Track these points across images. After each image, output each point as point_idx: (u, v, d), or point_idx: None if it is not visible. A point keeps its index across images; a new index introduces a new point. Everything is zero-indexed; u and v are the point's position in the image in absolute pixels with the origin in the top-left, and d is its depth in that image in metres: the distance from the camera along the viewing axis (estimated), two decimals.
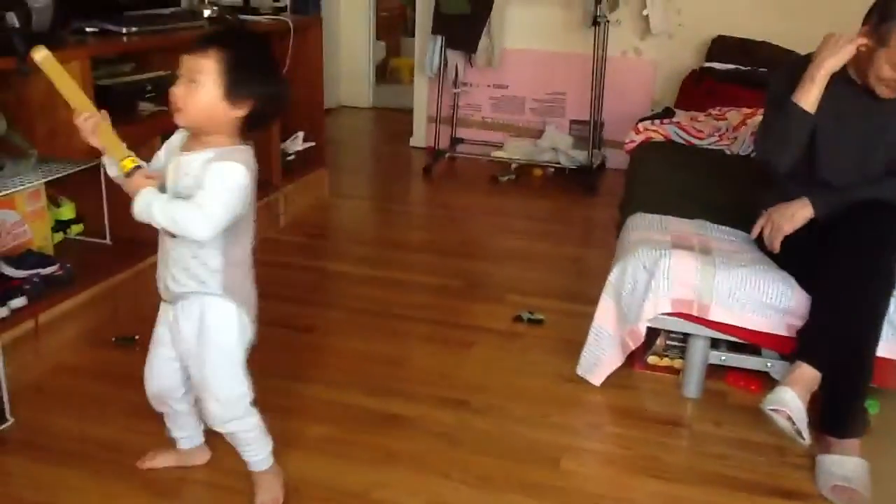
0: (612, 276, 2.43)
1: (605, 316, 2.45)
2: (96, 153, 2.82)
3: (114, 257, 2.97)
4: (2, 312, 2.39)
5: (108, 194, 3.05)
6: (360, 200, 4.47)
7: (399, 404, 2.33)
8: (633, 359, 2.51)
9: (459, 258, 3.51)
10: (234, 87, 1.57)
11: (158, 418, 2.11)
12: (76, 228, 3.14)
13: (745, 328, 2.30)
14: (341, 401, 2.34)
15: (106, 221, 3.09)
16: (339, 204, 4.25)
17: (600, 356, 2.45)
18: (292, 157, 3.96)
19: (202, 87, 1.56)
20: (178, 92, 1.58)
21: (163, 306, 1.81)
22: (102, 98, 2.73)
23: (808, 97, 2.21)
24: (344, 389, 2.40)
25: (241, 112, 1.60)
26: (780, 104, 2.26)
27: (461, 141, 5.08)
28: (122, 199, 3.07)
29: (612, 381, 2.46)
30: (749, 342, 2.34)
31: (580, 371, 2.49)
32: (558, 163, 4.65)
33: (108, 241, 3.09)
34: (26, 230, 2.79)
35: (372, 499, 1.93)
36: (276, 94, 1.65)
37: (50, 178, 2.73)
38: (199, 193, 1.56)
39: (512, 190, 4.56)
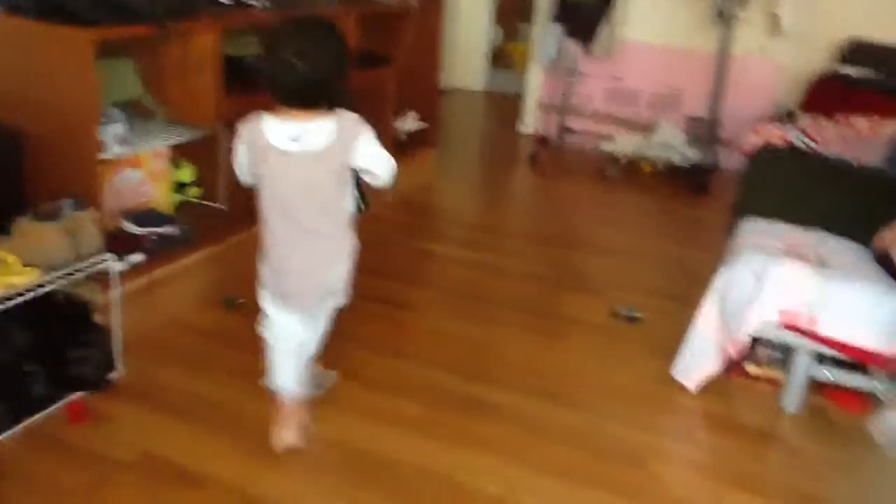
0: (719, 280, 2.37)
1: (706, 320, 2.39)
2: (219, 121, 2.94)
3: (227, 222, 3.09)
4: (121, 266, 2.52)
5: (225, 161, 3.17)
6: (466, 183, 4.49)
7: (488, 389, 2.34)
8: (731, 366, 2.44)
9: (560, 248, 3.49)
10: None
11: (256, 377, 2.21)
12: (194, 191, 3.28)
13: (855, 345, 2.20)
14: (431, 380, 2.37)
15: (221, 187, 3.21)
16: (445, 186, 4.28)
17: (698, 360, 2.40)
18: (404, 137, 4.01)
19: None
20: None
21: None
22: (230, 69, 2.84)
23: None
24: (435, 368, 2.43)
25: None
26: None
27: (571, 131, 5.02)
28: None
29: (707, 386, 2.40)
30: (857, 360, 2.24)
31: (675, 373, 2.44)
32: (670, 160, 4.54)
33: (222, 205, 3.22)
34: (149, 189, 2.93)
35: (455, 481, 1.96)
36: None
37: (174, 142, 2.86)
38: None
39: (619, 184, 4.49)
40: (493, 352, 2.57)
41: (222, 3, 2.94)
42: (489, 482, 1.96)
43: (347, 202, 1.95)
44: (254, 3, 3.01)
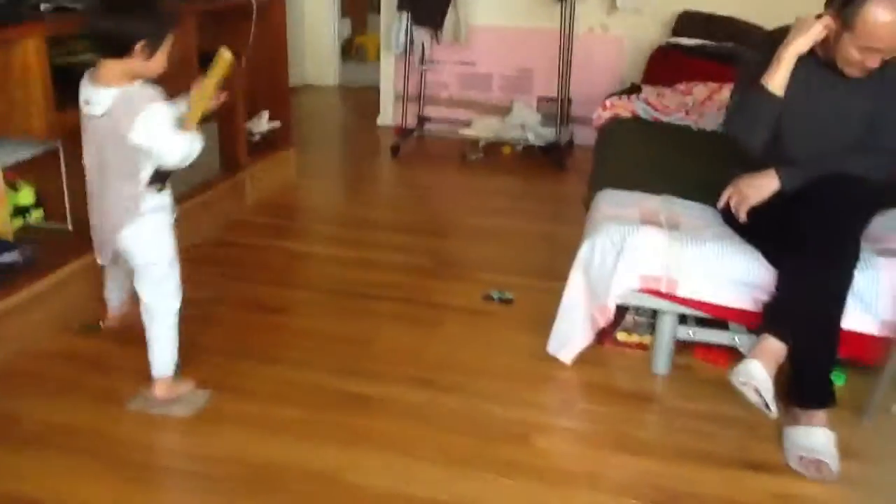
0: (581, 253, 2.43)
1: (574, 293, 2.45)
2: (54, 135, 2.75)
3: (75, 243, 2.90)
4: None
5: (69, 179, 2.98)
6: (328, 180, 4.43)
7: (368, 384, 2.31)
8: (603, 336, 2.52)
9: (429, 237, 3.50)
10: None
11: (121, 399, 2.10)
12: (36, 214, 3.06)
13: (712, 303, 2.31)
14: (310, 382, 2.32)
15: (67, 206, 3.02)
16: (307, 184, 4.20)
17: (570, 333, 2.46)
18: (257, 138, 3.90)
19: None
20: None
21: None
22: (60, 79, 2.67)
23: (776, 79, 2.24)
24: (312, 370, 2.38)
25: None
26: (752, 82, 2.27)
27: (429, 119, 5.04)
28: (83, 185, 3.03)
29: (582, 358, 2.46)
30: (717, 317, 2.36)
31: (551, 349, 2.49)
32: (527, 140, 4.64)
33: (69, 226, 3.03)
34: None
35: (343, 480, 1.92)
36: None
37: (7, 163, 2.66)
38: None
39: (481, 168, 4.54)
40: (371, 346, 2.55)
41: (41, 9, 2.76)
42: (378, 477, 1.93)
43: (135, 172, 2.04)
44: (77, 6, 2.83)
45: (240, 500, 1.85)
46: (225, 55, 2.06)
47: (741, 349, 2.34)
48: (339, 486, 1.90)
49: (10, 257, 2.58)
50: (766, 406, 2.02)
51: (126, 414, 2.12)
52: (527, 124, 4.68)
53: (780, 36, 2.28)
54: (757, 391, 2.01)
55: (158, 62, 2.02)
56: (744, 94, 2.34)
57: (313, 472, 1.94)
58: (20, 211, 2.99)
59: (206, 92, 2.08)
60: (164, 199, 2.13)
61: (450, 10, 4.64)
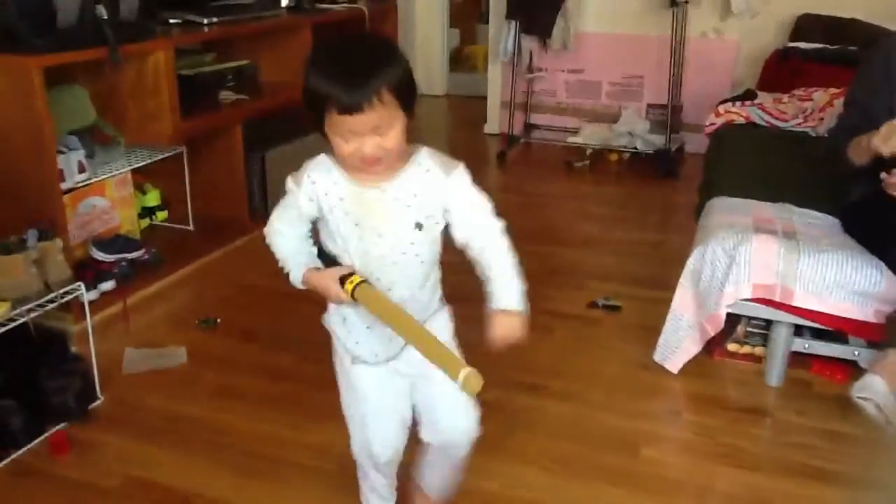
0: (691, 261, 2.38)
1: (683, 302, 2.40)
2: (180, 141, 2.91)
3: (196, 243, 3.06)
4: (92, 295, 2.49)
5: (192, 182, 3.15)
6: None
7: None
8: (713, 346, 2.46)
9: (536, 243, 3.49)
10: (411, 103, 1.34)
11: (243, 397, 2.18)
12: (161, 215, 3.25)
13: (830, 314, 2.22)
14: None
15: (189, 208, 3.19)
16: None
17: (678, 343, 2.41)
18: None
19: (394, 130, 1.31)
20: (373, 152, 1.31)
21: (369, 370, 1.53)
22: (185, 88, 2.82)
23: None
24: None
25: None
26: (871, 91, 2.18)
27: (536, 127, 5.04)
28: (204, 188, 3.19)
29: (690, 368, 2.41)
30: (835, 329, 2.27)
31: (657, 358, 2.45)
32: (635, 147, 4.57)
33: (191, 227, 3.19)
34: (115, 216, 2.90)
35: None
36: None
37: (136, 166, 2.83)
38: (477, 208, 1.46)
39: (588, 175, 4.51)
40: (480, 350, 2.56)
41: (171, 23, 2.93)
42: (487, 481, 1.94)
43: None
44: (202, 19, 2.99)
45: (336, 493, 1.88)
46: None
47: (861, 363, 2.24)
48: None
49: (137, 255, 2.74)
50: (888, 422, 1.92)
51: (242, 406, 2.21)
52: (635, 132, 4.61)
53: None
54: (878, 407, 1.92)
55: None
56: (858, 107, 2.24)
57: None
58: (147, 212, 3.18)
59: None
60: None
61: (558, 17, 4.63)
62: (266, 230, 1.51)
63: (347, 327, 1.51)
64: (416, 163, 1.39)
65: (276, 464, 2.01)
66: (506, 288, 1.51)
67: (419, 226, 1.40)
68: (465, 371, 1.34)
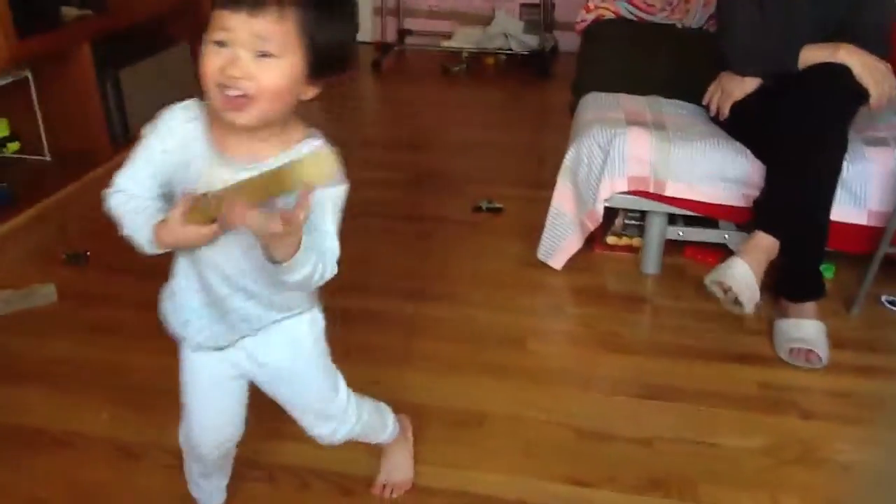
0: (568, 158, 2.40)
1: (562, 199, 2.44)
2: (19, 63, 2.67)
3: (54, 174, 2.87)
4: None
5: (43, 109, 2.92)
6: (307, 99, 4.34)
7: (364, 299, 2.31)
8: (593, 240, 2.52)
9: (414, 151, 3.45)
10: (322, 60, 1.08)
11: (116, 332, 2.09)
12: (12, 146, 3.02)
13: (701, 201, 2.30)
14: None
15: (43, 137, 2.97)
16: None
17: (560, 239, 2.45)
18: None
19: (281, 63, 1.05)
20: (240, 73, 1.03)
21: (199, 357, 1.33)
22: (17, 3, 2.58)
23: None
24: None
25: (317, 89, 1.14)
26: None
27: (409, 32, 4.92)
28: (57, 115, 2.97)
29: (572, 263, 2.47)
30: (706, 215, 2.35)
31: (540, 255, 2.49)
32: (510, 49, 4.54)
33: (47, 157, 2.98)
34: None
35: None
36: (351, 46, 1.17)
37: None
38: (321, 218, 1.15)
39: (464, 80, 4.46)
40: (364, 262, 2.54)
41: None
42: (371, 386, 1.93)
43: None
44: None
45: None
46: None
47: (731, 246, 2.35)
48: None
49: None
50: (736, 302, 2.02)
51: (119, 341, 2.12)
52: (509, 33, 4.58)
53: None
54: (725, 288, 2.01)
55: None
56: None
57: None
58: None
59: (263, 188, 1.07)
60: None
61: None
62: (106, 192, 1.21)
63: (175, 304, 1.29)
64: (292, 155, 1.10)
65: (159, 394, 1.95)
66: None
67: None
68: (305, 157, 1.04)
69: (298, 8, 1.03)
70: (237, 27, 1.02)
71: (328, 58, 1.09)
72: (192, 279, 1.25)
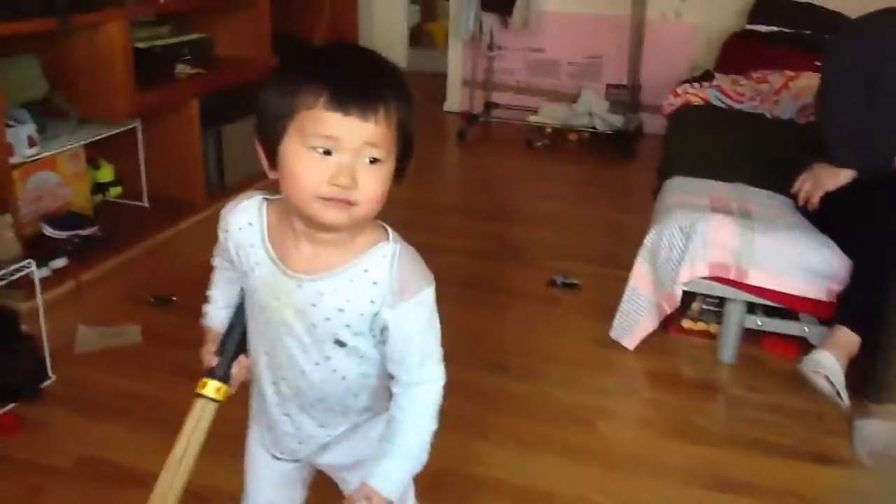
0: (649, 240, 2.41)
1: (640, 279, 2.43)
2: (134, 115, 2.83)
3: (151, 219, 3.01)
4: (43, 272, 2.44)
5: (147, 158, 3.09)
6: None
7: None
8: (668, 323, 2.50)
9: (494, 222, 3.50)
10: (407, 156, 1.04)
11: (195, 376, 2.15)
12: (115, 191, 3.18)
13: (783, 292, 2.27)
14: None
15: (143, 184, 3.13)
16: None
17: (635, 320, 2.44)
18: None
19: (386, 168, 0.99)
20: (349, 182, 0.95)
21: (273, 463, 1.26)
22: (140, 61, 2.76)
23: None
24: None
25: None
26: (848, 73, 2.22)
27: (496, 105, 5.03)
28: (159, 164, 3.14)
29: (646, 345, 2.44)
30: (787, 307, 2.31)
31: (614, 334, 2.48)
32: (594, 127, 4.59)
33: (145, 203, 3.13)
34: (67, 192, 2.83)
35: None
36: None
37: (89, 140, 2.77)
38: (423, 352, 1.09)
39: (547, 155, 4.52)
40: (443, 328, 2.56)
41: None
42: (448, 460, 1.94)
43: None
44: None
45: None
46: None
47: (812, 340, 2.29)
48: None
49: (89, 232, 2.68)
50: (838, 395, 1.98)
51: (196, 385, 2.18)
52: (594, 112, 4.64)
53: (865, 23, 2.22)
54: (828, 380, 1.97)
55: None
56: (840, 85, 2.28)
57: None
58: (100, 188, 3.12)
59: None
60: None
61: None
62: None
63: (259, 405, 1.21)
64: (367, 263, 1.02)
65: (232, 441, 1.99)
66: (391, 469, 1.09)
67: (340, 343, 1.05)
68: None
69: (400, 106, 0.98)
70: (347, 134, 0.92)
71: (409, 152, 1.03)
72: (281, 403, 1.16)
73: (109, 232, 2.78)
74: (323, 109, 0.92)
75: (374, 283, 1.01)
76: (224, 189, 3.26)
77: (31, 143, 2.49)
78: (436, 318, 1.08)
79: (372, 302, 1.01)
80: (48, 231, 2.62)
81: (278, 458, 1.22)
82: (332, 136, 0.92)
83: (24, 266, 2.11)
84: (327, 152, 0.93)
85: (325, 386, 1.09)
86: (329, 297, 1.01)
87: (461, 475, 1.90)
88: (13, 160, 2.42)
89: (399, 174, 1.02)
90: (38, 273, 2.15)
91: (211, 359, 1.20)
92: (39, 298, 2.17)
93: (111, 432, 2.01)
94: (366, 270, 1.01)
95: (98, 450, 1.95)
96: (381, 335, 1.05)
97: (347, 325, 1.03)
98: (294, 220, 1.01)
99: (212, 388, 1.19)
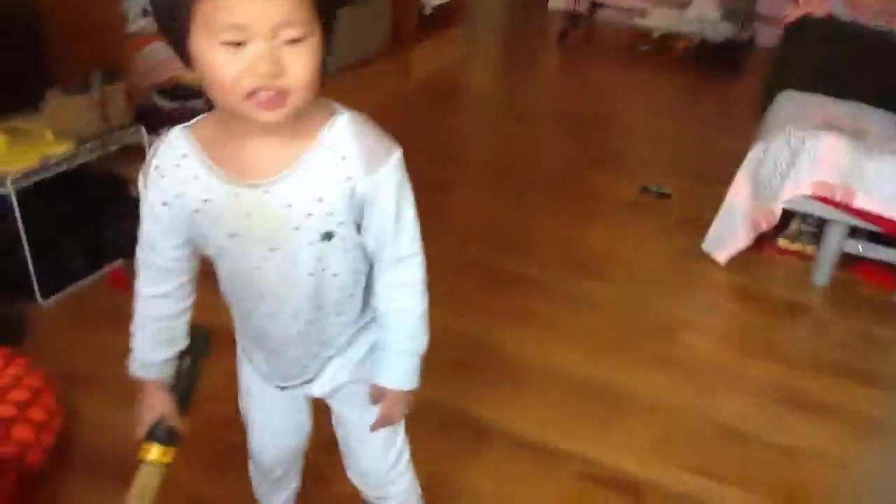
0: (753, 153, 2.33)
1: (739, 192, 2.37)
2: None
3: None
4: (153, 140, 2.53)
5: None
6: (494, 63, 4.40)
7: (524, 265, 2.36)
8: (764, 241, 2.44)
9: (589, 127, 3.44)
10: (331, 18, 0.89)
11: None
12: None
13: (890, 218, 2.18)
14: (469, 256, 2.39)
15: None
16: (473, 65, 4.20)
17: (729, 234, 2.40)
18: (430, 11, 3.91)
19: (310, 44, 0.85)
20: (272, 70, 0.83)
21: (271, 392, 1.18)
22: None
23: None
24: (473, 245, 2.45)
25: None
26: None
27: (602, 5, 4.86)
28: None
29: (738, 261, 2.41)
30: (892, 234, 2.23)
31: (706, 247, 2.45)
32: (704, 36, 4.40)
33: None
34: (178, 64, 2.90)
35: (506, 353, 1.99)
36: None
37: None
38: (399, 228, 1.00)
39: (651, 62, 4.37)
40: (526, 229, 2.58)
41: None
42: (535, 353, 1.99)
43: None
44: None
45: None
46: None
47: None
48: (502, 358, 1.97)
49: (195, 103, 2.75)
50: None
51: None
52: (706, 19, 4.43)
53: None
54: None
55: None
56: None
57: (479, 341, 2.02)
58: None
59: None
60: None
61: None
62: (136, 262, 1.08)
63: (253, 341, 1.13)
64: (327, 141, 0.92)
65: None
66: (395, 361, 1.08)
67: (328, 235, 0.96)
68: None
69: None
70: (255, 17, 0.80)
71: (333, 15, 0.89)
72: (261, 344, 1.11)
73: (212, 105, 2.84)
74: None
75: (343, 159, 0.92)
76: None
77: (145, 14, 2.54)
78: (408, 183, 0.98)
79: (348, 179, 0.93)
80: (159, 101, 2.70)
81: (284, 388, 1.16)
82: (241, 25, 0.80)
83: (133, 132, 2.19)
84: (237, 43, 0.81)
85: (322, 294, 1.02)
86: (303, 190, 0.92)
87: (550, 371, 1.94)
88: (129, 29, 2.48)
89: (327, 44, 0.87)
90: (147, 140, 2.23)
91: (149, 419, 1.08)
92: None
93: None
94: (329, 148, 0.92)
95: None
96: (360, 214, 0.97)
97: (330, 214, 0.94)
98: (233, 124, 0.90)
99: (157, 452, 1.06)
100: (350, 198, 0.94)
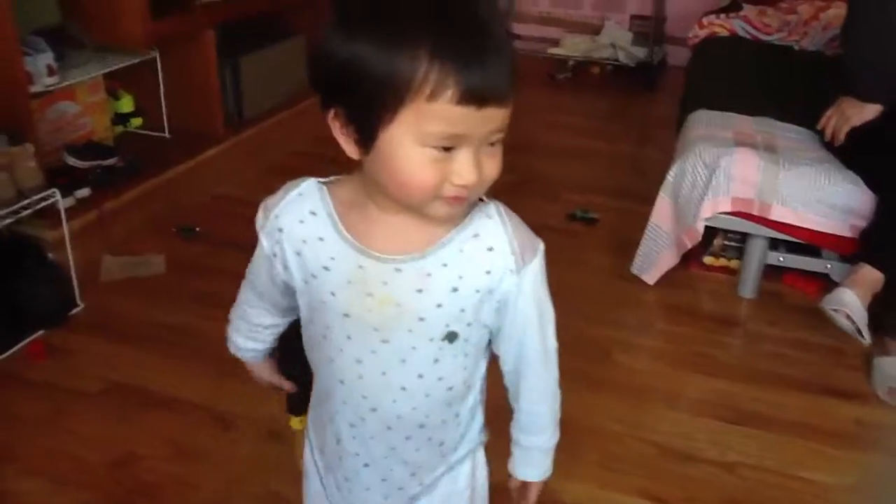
0: (671, 174, 2.38)
1: (661, 214, 2.42)
2: (150, 43, 2.79)
3: (172, 151, 3.00)
4: (68, 202, 2.45)
5: (166, 88, 3.07)
6: None
7: None
8: (689, 259, 2.49)
9: (514, 154, 3.43)
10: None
11: (226, 304, 2.18)
12: (136, 122, 3.17)
13: (806, 228, 2.25)
14: None
15: (164, 115, 3.11)
16: None
17: (655, 255, 2.43)
18: None
19: (501, 144, 0.82)
20: (473, 178, 0.78)
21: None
22: None
23: None
24: None
25: None
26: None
27: (517, 37, 4.93)
28: (178, 95, 3.11)
29: (666, 280, 2.44)
30: (810, 243, 2.30)
31: (634, 269, 2.48)
32: (617, 60, 4.50)
33: (166, 134, 3.13)
34: (87, 122, 2.83)
35: None
36: None
37: (109, 69, 2.75)
38: (541, 325, 0.93)
39: (569, 87, 4.45)
40: None
41: None
42: None
43: None
44: None
45: None
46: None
47: (833, 277, 2.28)
48: None
49: (112, 162, 2.69)
50: (859, 332, 1.98)
51: (221, 313, 2.22)
52: (618, 43, 4.54)
53: None
54: (849, 317, 1.97)
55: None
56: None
57: None
58: (121, 118, 3.11)
59: None
60: None
61: None
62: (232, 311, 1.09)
63: (329, 455, 0.98)
64: (474, 228, 0.84)
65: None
66: (542, 458, 1.06)
67: (451, 336, 0.85)
68: None
69: (514, 72, 0.76)
70: (476, 128, 0.74)
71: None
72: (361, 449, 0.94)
73: (130, 162, 2.78)
74: (450, 104, 0.71)
75: (490, 250, 0.83)
76: (242, 121, 3.24)
77: (51, 72, 2.47)
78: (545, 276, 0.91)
79: (488, 273, 0.83)
80: (71, 161, 2.62)
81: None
82: (459, 135, 0.74)
83: (48, 195, 2.12)
84: (449, 148, 0.75)
85: (428, 405, 0.89)
86: (439, 276, 0.81)
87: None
88: (32, 89, 2.41)
89: None
90: (62, 202, 2.16)
91: (266, 384, 1.15)
92: (66, 227, 2.19)
93: (137, 358, 2.05)
94: (476, 236, 0.83)
95: (124, 376, 1.99)
96: (493, 316, 0.87)
97: (462, 310, 0.83)
98: (377, 197, 0.81)
99: (295, 422, 1.27)
100: (488, 294, 0.84)
